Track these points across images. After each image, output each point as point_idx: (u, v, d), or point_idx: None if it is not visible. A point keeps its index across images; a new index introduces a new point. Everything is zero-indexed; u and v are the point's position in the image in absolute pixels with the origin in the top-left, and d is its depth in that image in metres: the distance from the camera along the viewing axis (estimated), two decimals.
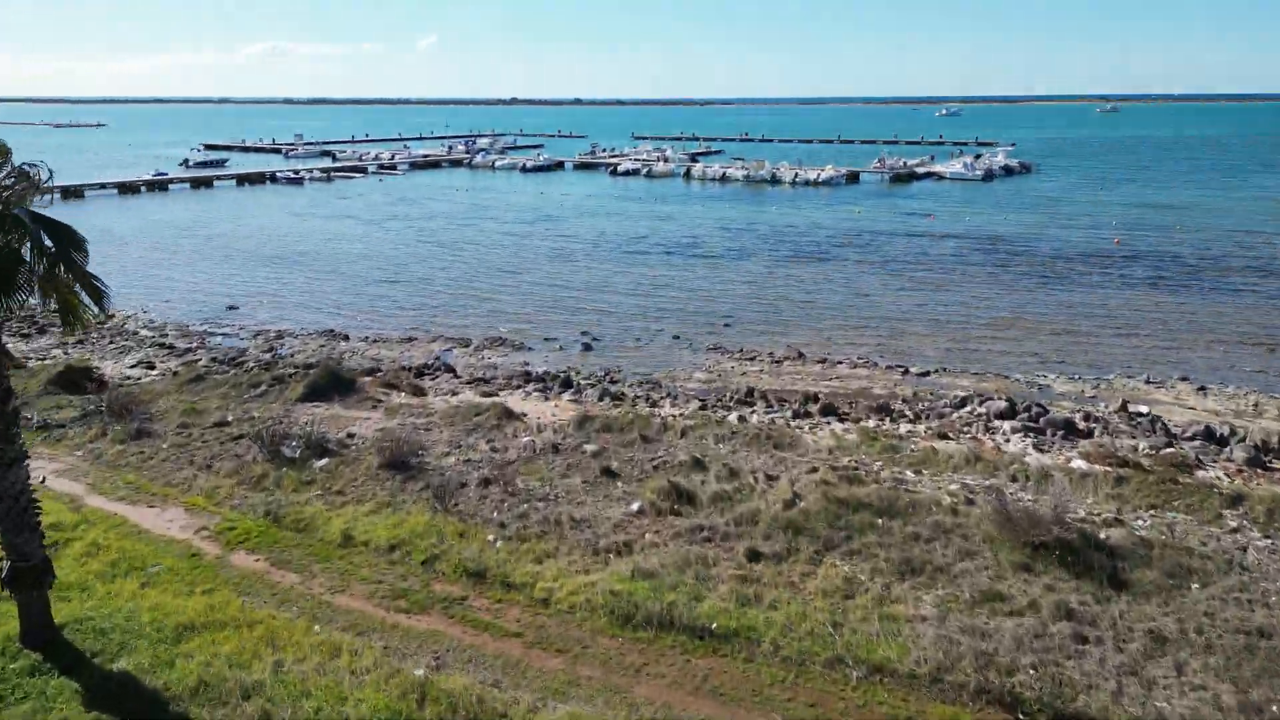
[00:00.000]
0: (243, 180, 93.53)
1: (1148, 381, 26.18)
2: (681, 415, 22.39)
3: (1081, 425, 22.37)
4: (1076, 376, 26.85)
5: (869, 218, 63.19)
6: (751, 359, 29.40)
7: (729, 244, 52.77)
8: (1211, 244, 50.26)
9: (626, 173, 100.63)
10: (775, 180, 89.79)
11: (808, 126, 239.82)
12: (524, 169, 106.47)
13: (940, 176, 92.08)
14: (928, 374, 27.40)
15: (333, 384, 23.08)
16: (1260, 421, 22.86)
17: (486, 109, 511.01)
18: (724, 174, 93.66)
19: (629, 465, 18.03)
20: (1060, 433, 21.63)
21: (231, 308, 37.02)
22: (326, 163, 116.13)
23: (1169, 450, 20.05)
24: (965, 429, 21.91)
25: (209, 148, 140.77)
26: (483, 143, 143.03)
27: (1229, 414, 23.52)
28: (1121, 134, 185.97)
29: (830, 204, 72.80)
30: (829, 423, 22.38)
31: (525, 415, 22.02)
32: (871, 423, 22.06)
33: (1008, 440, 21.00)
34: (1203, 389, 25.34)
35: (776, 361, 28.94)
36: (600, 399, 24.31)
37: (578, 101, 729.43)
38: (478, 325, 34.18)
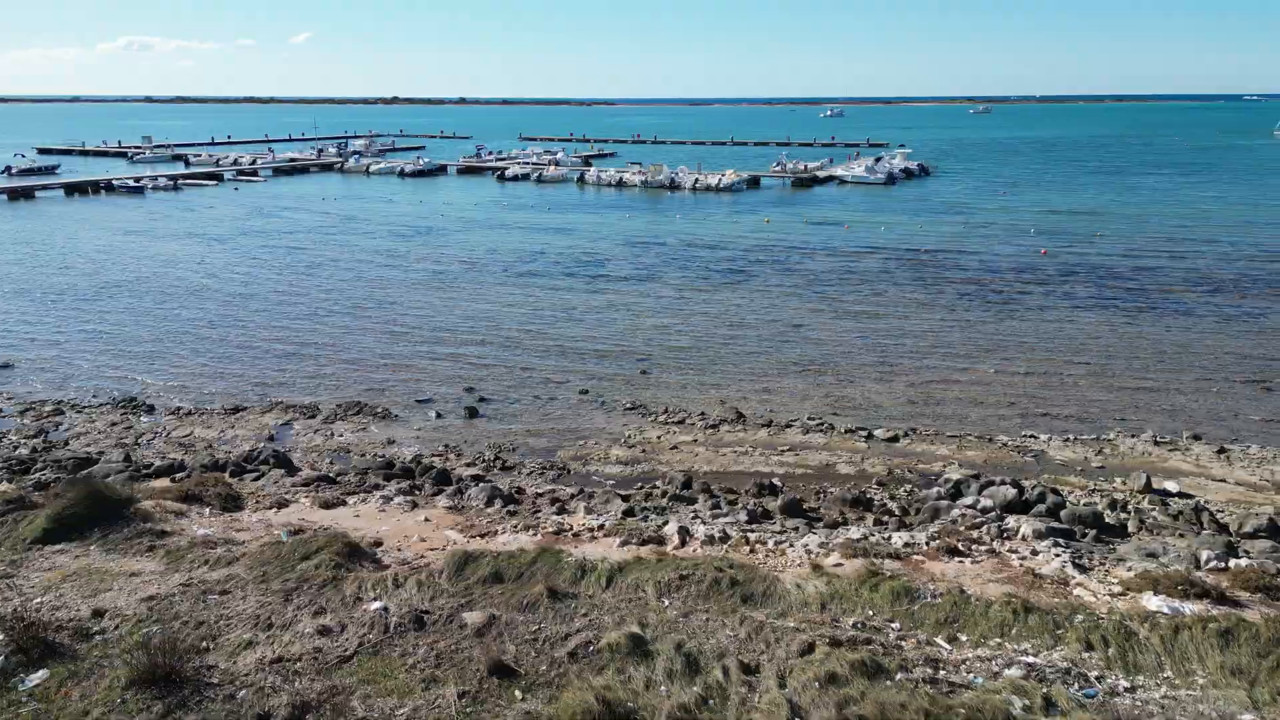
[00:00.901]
0: (72, 190, 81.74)
1: (1156, 442, 21.76)
2: (602, 531, 16.37)
3: (1111, 518, 17.58)
4: (1071, 437, 22.22)
5: (780, 229, 58.63)
6: (681, 421, 23.63)
7: (635, 262, 47.01)
8: (1139, 254, 47.73)
9: (515, 178, 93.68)
10: (675, 186, 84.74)
11: (698, 128, 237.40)
12: (402, 174, 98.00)
13: (842, 180, 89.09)
14: (896, 439, 22.26)
15: (95, 510, 15.94)
16: None
17: (365, 108, 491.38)
18: (620, 179, 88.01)
19: (532, 651, 11.84)
20: (1092, 532, 16.75)
21: (3, 367, 28.58)
22: (178, 168, 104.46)
23: (1244, 563, 15.38)
24: (974, 533, 16.73)
25: (42, 152, 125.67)
26: (357, 145, 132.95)
27: (1268, 486, 19.23)
28: (1001, 135, 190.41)
29: (735, 212, 68.10)
30: (798, 530, 16.82)
31: (380, 546, 15.56)
32: (855, 531, 16.58)
33: (1035, 553, 15.92)
34: (1223, 450, 21.07)
35: (712, 426, 23.24)
36: (489, 503, 17.99)
37: (462, 101, 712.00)
38: (332, 382, 27.15)
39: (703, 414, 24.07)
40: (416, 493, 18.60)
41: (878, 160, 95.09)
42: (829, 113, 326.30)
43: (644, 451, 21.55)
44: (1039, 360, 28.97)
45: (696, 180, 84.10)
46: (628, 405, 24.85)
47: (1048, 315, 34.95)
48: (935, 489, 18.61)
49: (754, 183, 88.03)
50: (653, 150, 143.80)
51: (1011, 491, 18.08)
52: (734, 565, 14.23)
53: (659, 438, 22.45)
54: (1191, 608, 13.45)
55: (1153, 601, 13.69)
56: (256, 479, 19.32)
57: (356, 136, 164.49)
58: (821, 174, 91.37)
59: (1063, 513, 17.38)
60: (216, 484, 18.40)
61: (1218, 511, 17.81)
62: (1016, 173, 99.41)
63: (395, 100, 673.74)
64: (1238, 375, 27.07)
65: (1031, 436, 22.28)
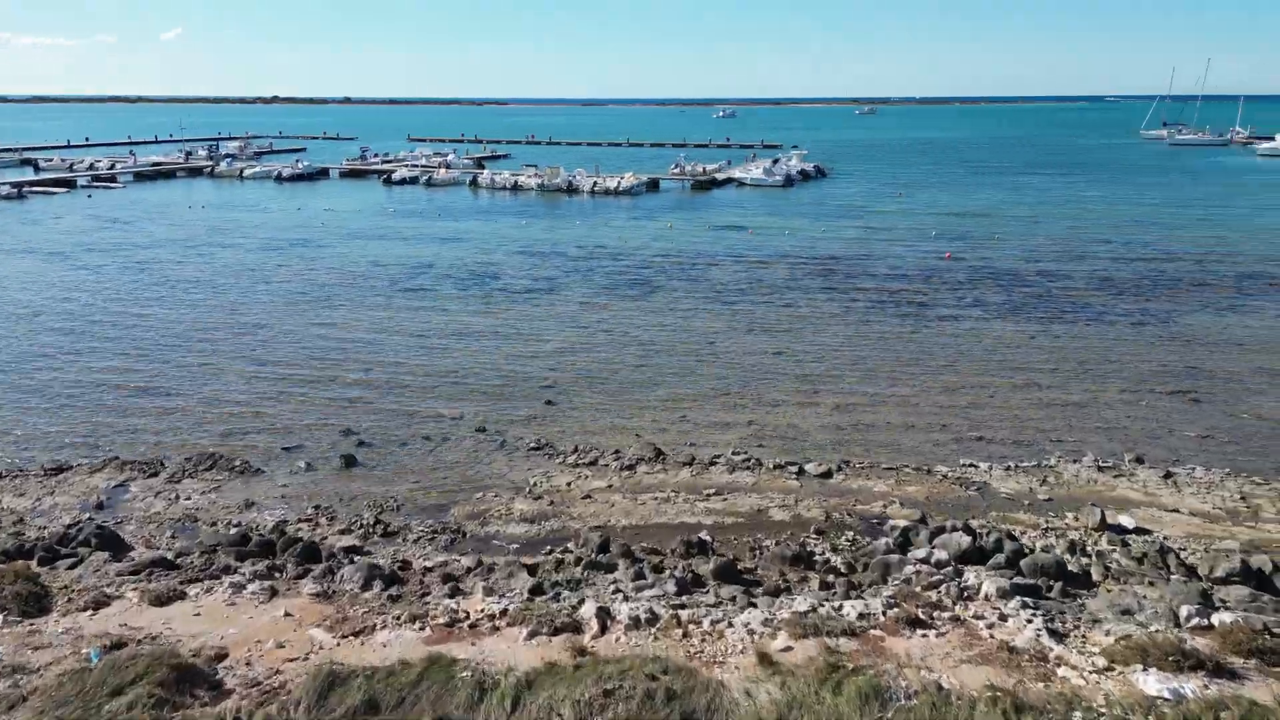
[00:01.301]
0: None
1: (1099, 468, 20.43)
2: (505, 618, 13.57)
3: (1074, 565, 15.91)
4: (1012, 465, 20.67)
5: (684, 235, 56.66)
6: (593, 463, 20.99)
7: (533, 274, 44.06)
8: (1038, 256, 47.82)
9: (403, 181, 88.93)
10: (573, 189, 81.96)
11: (593, 128, 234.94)
12: (280, 178, 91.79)
13: (741, 183, 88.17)
14: (829, 474, 20.24)
15: None
16: (1266, 527, 17.52)
17: (243, 108, 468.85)
18: (515, 182, 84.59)
19: None
20: (1058, 585, 15.00)
21: None
22: (27, 173, 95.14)
23: (1228, 618, 13.86)
24: (933, 594, 14.73)
25: None
26: (231, 147, 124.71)
27: (1223, 515, 18.04)
28: (886, 135, 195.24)
29: (636, 217, 65.88)
30: (736, 600, 14.43)
31: (224, 660, 12.35)
32: (801, 601, 14.29)
33: (1004, 618, 14.01)
34: (1169, 475, 19.88)
35: (628, 466, 20.69)
36: (367, 585, 14.92)
37: (348, 100, 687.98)
38: (181, 429, 23.30)
39: (617, 452, 21.49)
40: (277, 575, 15.33)
41: (775, 162, 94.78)
42: (721, 114, 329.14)
43: (552, 503, 18.80)
44: (963, 375, 27.64)
45: (595, 183, 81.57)
46: (532, 445, 22.03)
47: (963, 325, 33.92)
48: (883, 540, 16.56)
49: (653, 185, 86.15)
50: (548, 151, 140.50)
51: (965, 539, 16.20)
52: (668, 669, 11.71)
53: (569, 485, 19.74)
54: (1191, 687, 11.72)
55: (1149, 683, 11.87)
56: (73, 566, 15.64)
57: (230, 138, 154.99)
58: (720, 176, 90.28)
59: (1023, 562, 15.59)
60: (16, 579, 14.73)
61: (1182, 550, 16.39)
62: (908, 174, 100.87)
63: (275, 100, 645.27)
64: (1162, 386, 26.34)
65: (971, 466, 20.63)
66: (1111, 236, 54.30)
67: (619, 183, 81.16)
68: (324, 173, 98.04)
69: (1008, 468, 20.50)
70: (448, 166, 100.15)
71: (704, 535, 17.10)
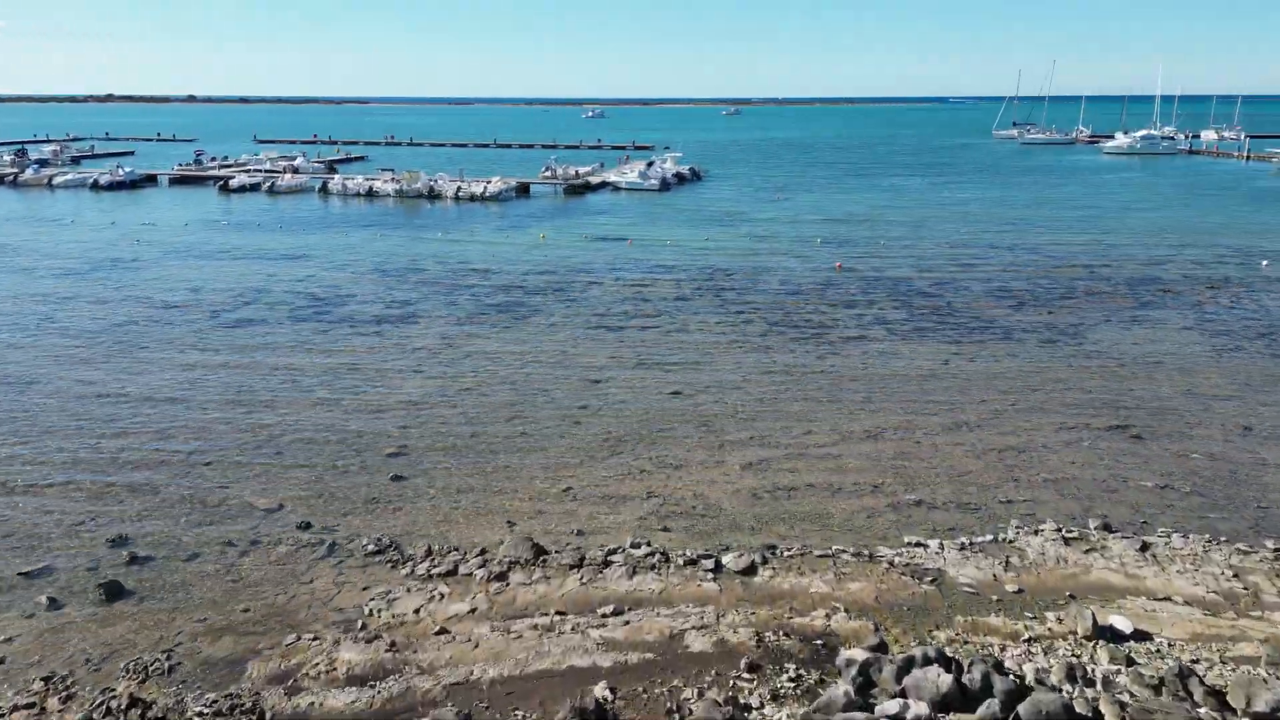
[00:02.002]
0: None
1: (1065, 540, 17.19)
2: None
3: (1083, 706, 12.36)
4: (966, 542, 17.18)
5: (558, 247, 51.98)
6: (452, 571, 16.15)
7: (387, 296, 38.39)
8: (930, 264, 45.83)
9: (242, 189, 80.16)
10: (435, 195, 75.75)
11: (458, 129, 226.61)
12: (96, 186, 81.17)
13: (616, 187, 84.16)
14: (753, 569, 16.16)
15: None
16: (1275, 616, 14.59)
17: (72, 107, 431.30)
18: (370, 188, 77.56)
19: None
20: None
21: None
22: None
23: None
24: None
25: None
26: (45, 151, 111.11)
27: (1221, 602, 15.03)
28: (753, 136, 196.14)
29: (505, 226, 60.69)
30: None
31: None
32: None
33: None
34: (1145, 547, 16.83)
35: (499, 575, 15.96)
36: None
37: (191, 99, 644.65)
38: None
39: (483, 553, 16.73)
40: None
41: (650, 165, 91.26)
42: (591, 114, 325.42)
43: (394, 647, 13.87)
44: (883, 414, 24.28)
45: (459, 188, 75.67)
46: (370, 548, 16.97)
47: (870, 348, 30.82)
48: (840, 687, 12.51)
49: (523, 190, 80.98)
50: (409, 154, 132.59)
51: (945, 679, 12.38)
52: None
53: (418, 612, 14.84)
54: None
55: None
56: None
57: (47, 140, 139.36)
58: (594, 180, 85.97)
59: (1023, 709, 11.90)
60: None
61: (1196, 662, 13.15)
62: (782, 175, 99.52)
63: (110, 98, 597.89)
64: (1097, 420, 23.74)
65: (919, 545, 17.01)
66: (995, 240, 53.25)
67: (486, 188, 75.56)
68: (151, 179, 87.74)
69: (962, 546, 16.97)
70: (295, 171, 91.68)
71: (601, 691, 12.63)
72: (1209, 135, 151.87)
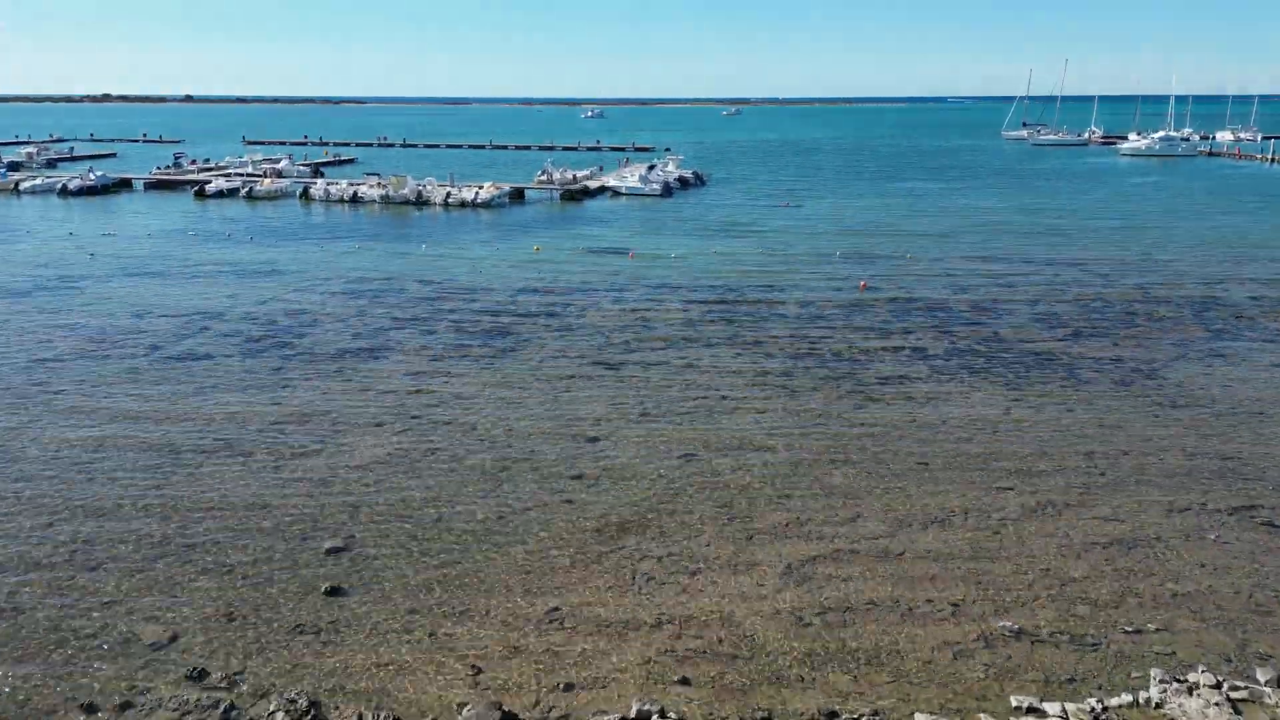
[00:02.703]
0: None
1: (1231, 701, 12.66)
2: None
3: None
4: (1098, 709, 12.61)
5: (553, 260, 47.43)
6: None
7: (356, 322, 33.84)
8: (964, 283, 41.31)
9: (220, 194, 75.54)
10: (423, 202, 71.16)
11: (454, 129, 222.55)
12: (65, 191, 76.52)
13: (616, 192, 79.59)
14: None
15: None
16: None
17: (70, 107, 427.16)
18: (355, 193, 72.94)
19: None
20: None
21: None
22: None
23: None
24: None
25: None
26: (23, 153, 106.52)
27: None
28: (756, 137, 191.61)
29: (497, 235, 56.13)
30: None
31: None
32: None
33: None
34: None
35: None
36: None
37: (189, 98, 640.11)
38: None
39: None
40: None
41: (651, 168, 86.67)
42: (590, 114, 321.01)
43: None
44: (945, 489, 19.73)
45: (449, 194, 71.05)
46: (288, 704, 12.41)
47: (913, 391, 26.28)
48: None
49: (518, 195, 76.39)
50: (402, 155, 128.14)
51: None
52: None
53: None
54: None
55: None
56: None
57: (26, 142, 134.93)
58: (593, 184, 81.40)
59: None
60: None
61: None
62: (790, 180, 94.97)
63: (107, 98, 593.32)
64: (1212, 496, 19.21)
65: (1033, 713, 12.45)
66: (1031, 253, 48.71)
67: (477, 194, 70.92)
68: (126, 184, 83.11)
69: (1093, 713, 12.41)
70: (279, 174, 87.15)
71: None
72: (1224, 136, 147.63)
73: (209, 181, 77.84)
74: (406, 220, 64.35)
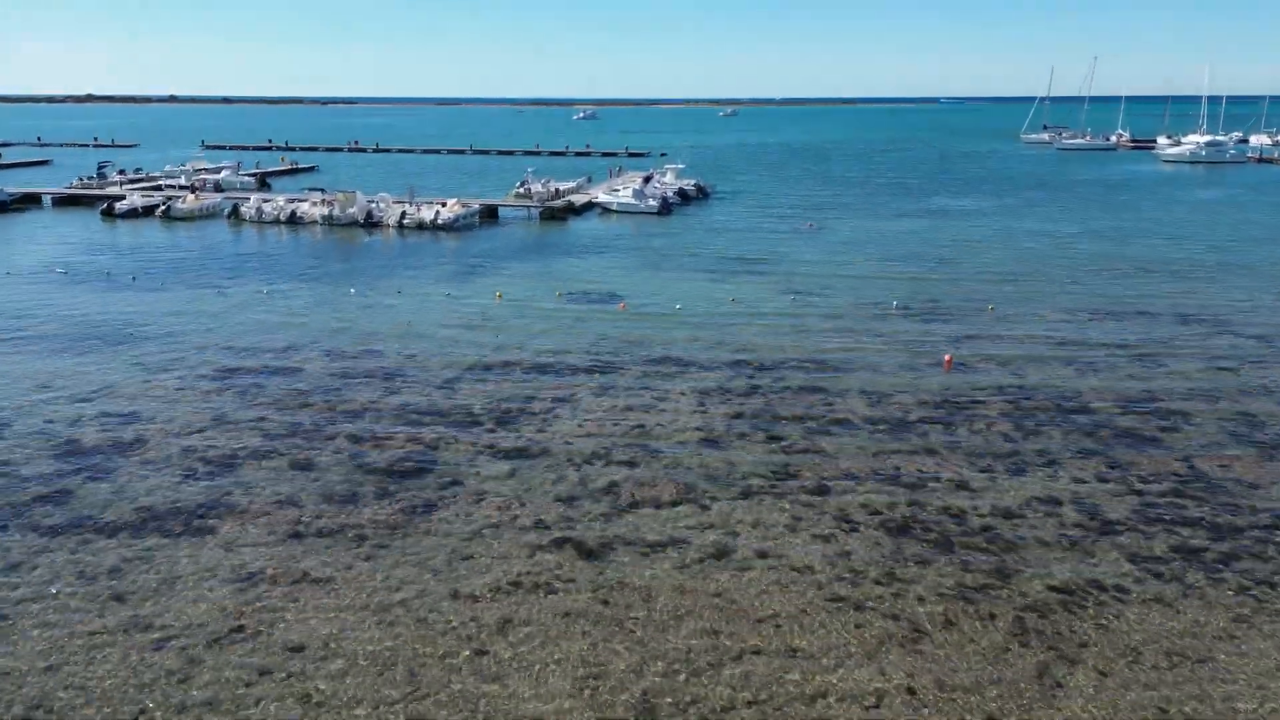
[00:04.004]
0: None
1: None
2: None
3: None
4: None
5: (516, 319, 35.67)
6: None
7: (196, 449, 21.98)
8: (1095, 359, 29.70)
9: (133, 212, 63.44)
10: (373, 223, 59.29)
11: (431, 131, 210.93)
12: None
13: (606, 209, 67.90)
14: None
15: None
16: None
17: (46, 109, 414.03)
18: (293, 213, 61.00)
19: None
20: None
21: None
22: None
23: None
24: None
25: None
26: None
27: None
28: (756, 139, 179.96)
29: (454, 272, 44.38)
30: None
31: None
32: None
33: None
34: None
35: None
36: None
37: (173, 98, 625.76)
38: None
39: None
40: None
41: (647, 180, 74.86)
42: (582, 115, 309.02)
43: None
44: None
45: (404, 214, 59.16)
46: None
47: (1121, 626, 14.65)
48: None
49: (489, 214, 64.65)
50: (373, 161, 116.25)
51: None
52: None
53: None
54: None
55: None
56: None
57: None
58: (579, 199, 69.66)
59: None
60: None
61: None
62: (804, 192, 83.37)
63: (90, 98, 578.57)
64: None
65: None
66: (1149, 303, 37.12)
67: (438, 213, 59.03)
68: (33, 200, 71.01)
69: None
70: (217, 187, 75.22)
71: None
72: (1260, 140, 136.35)
73: (121, 198, 65.69)
74: (349, 248, 52.51)
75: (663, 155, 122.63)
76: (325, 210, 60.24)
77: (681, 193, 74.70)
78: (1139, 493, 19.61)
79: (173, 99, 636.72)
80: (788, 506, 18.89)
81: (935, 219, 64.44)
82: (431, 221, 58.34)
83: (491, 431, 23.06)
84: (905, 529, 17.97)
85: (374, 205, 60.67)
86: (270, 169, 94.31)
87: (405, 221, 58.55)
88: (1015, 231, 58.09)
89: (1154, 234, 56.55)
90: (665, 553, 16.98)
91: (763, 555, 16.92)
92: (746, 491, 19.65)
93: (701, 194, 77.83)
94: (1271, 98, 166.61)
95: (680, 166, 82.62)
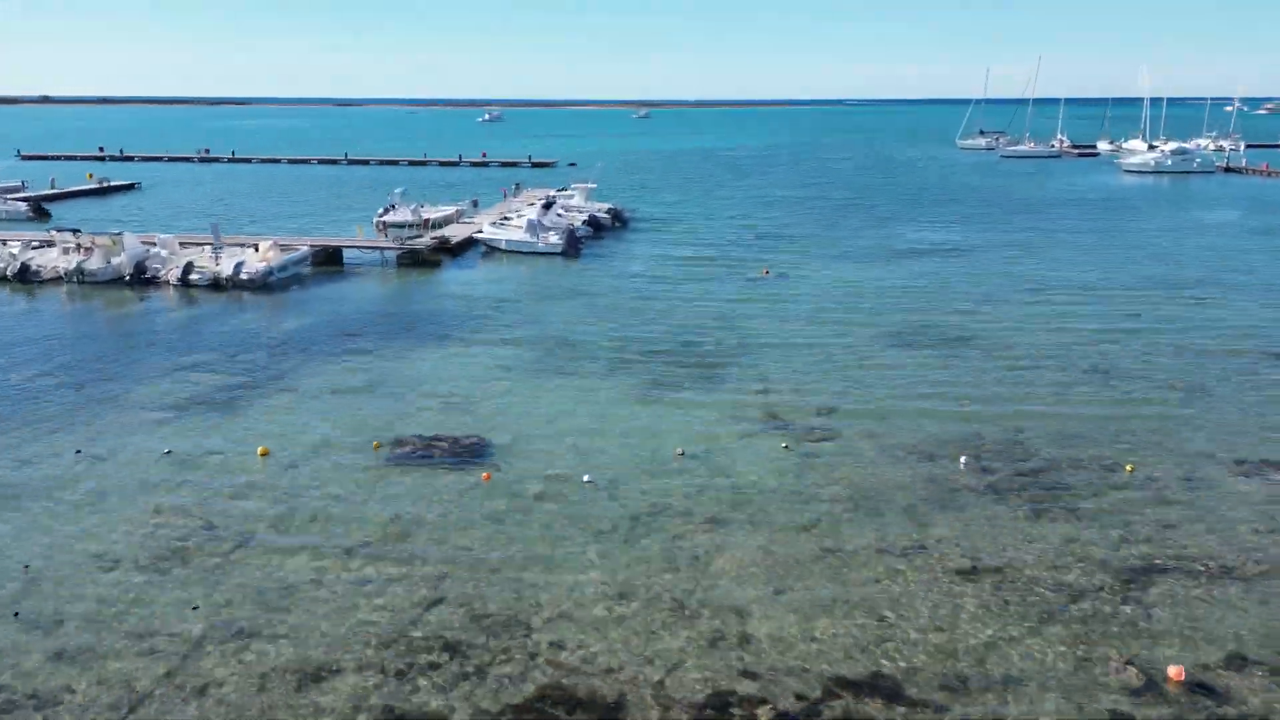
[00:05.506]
0: None
1: None
2: None
3: None
4: None
5: (291, 499, 18.56)
6: None
7: None
8: (1160, 490, 14.60)
9: None
10: (146, 278, 41.01)
11: (312, 137, 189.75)
12: None
13: (491, 248, 50.98)
14: None
15: None
16: None
17: None
18: (23, 266, 42.08)
19: None
20: None
21: None
22: None
23: None
24: None
25: None
26: None
27: None
28: (674, 145, 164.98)
29: (213, 387, 26.91)
30: None
31: None
32: None
33: None
34: None
35: None
36: None
37: (45, 99, 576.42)
38: None
39: None
40: None
41: (548, 207, 57.90)
42: (488, 117, 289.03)
43: None
44: None
45: (190, 267, 40.99)
46: None
47: None
48: None
49: (329, 259, 47.03)
50: (223, 173, 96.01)
51: None
52: None
53: None
54: None
55: None
56: None
57: None
58: (455, 237, 52.41)
59: None
60: None
61: None
62: (742, 215, 67.92)
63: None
64: None
65: None
66: (1189, 365, 22.51)
67: (239, 266, 41.00)
68: None
69: None
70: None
71: None
72: (1202, 143, 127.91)
73: None
74: (81, 330, 34.28)
75: (571, 165, 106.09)
76: (75, 261, 41.56)
77: (593, 221, 58.18)
78: None
79: (45, 100, 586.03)
80: None
81: (918, 258, 49.66)
82: (230, 277, 40.35)
83: None
84: None
85: (150, 253, 42.31)
86: (66, 189, 73.79)
87: (190, 278, 40.43)
88: (1032, 278, 43.62)
89: (1189, 274, 42.96)
90: None
91: None
92: None
93: (618, 222, 61.48)
94: (1213, 99, 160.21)
95: (591, 185, 66.16)
